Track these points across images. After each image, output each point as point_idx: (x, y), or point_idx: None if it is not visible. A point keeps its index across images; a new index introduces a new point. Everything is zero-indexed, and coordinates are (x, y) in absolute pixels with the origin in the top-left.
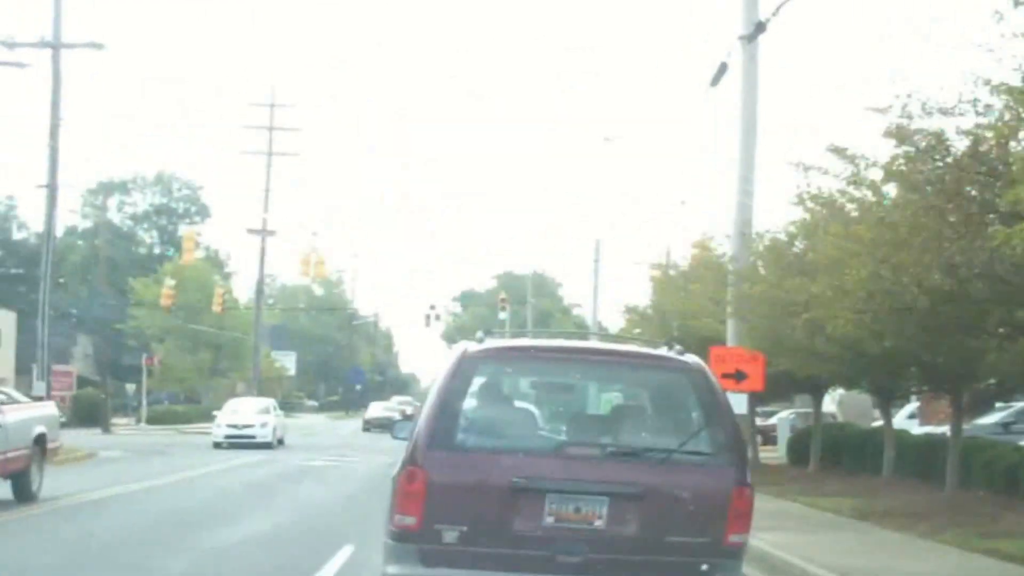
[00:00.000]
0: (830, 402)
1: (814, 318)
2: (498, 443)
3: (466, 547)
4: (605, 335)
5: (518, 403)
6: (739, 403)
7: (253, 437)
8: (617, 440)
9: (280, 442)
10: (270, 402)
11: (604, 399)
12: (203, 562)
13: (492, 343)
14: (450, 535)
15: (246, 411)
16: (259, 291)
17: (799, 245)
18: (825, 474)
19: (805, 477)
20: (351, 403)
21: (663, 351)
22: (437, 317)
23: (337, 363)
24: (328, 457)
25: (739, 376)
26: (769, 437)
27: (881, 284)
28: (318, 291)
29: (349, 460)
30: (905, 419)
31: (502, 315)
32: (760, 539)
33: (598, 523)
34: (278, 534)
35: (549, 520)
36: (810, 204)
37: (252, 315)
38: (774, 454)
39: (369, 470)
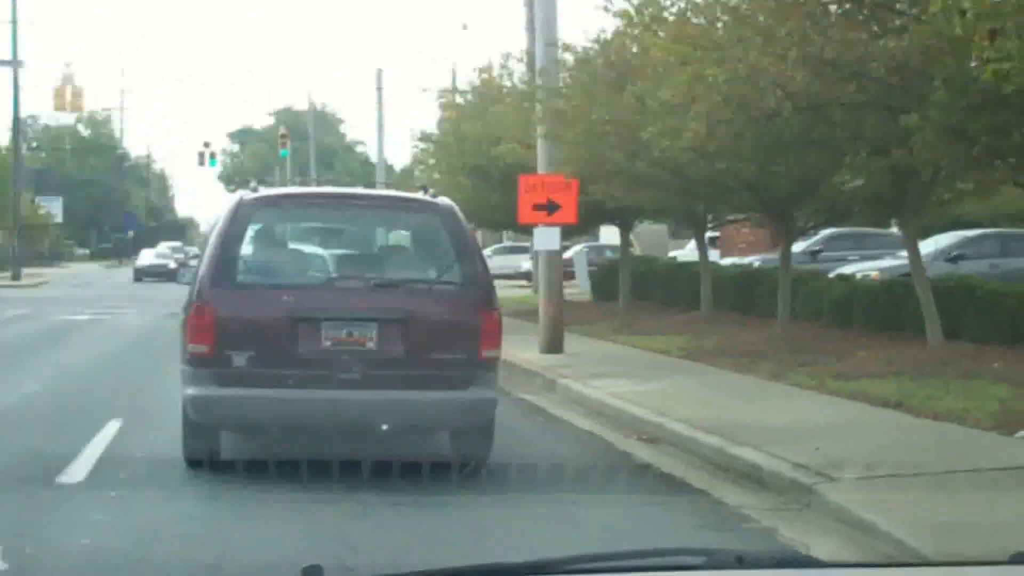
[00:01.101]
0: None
1: (662, 129)
2: (275, 280)
3: (255, 369)
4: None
5: (292, 244)
6: (551, 238)
7: None
8: (380, 274)
9: None
10: None
11: (368, 239)
12: None
13: (266, 192)
14: (239, 359)
15: None
16: (16, 130)
17: (614, 55)
18: (636, 310)
19: (616, 314)
20: (124, 250)
21: (419, 195)
22: (212, 156)
23: (109, 208)
24: (97, 310)
25: (551, 208)
26: (565, 273)
27: (738, 88)
28: (84, 132)
29: (120, 313)
30: (696, 250)
31: (283, 152)
32: (595, 388)
33: (370, 344)
34: (26, 411)
35: (327, 344)
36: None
37: (9, 158)
38: (574, 290)
39: (142, 324)
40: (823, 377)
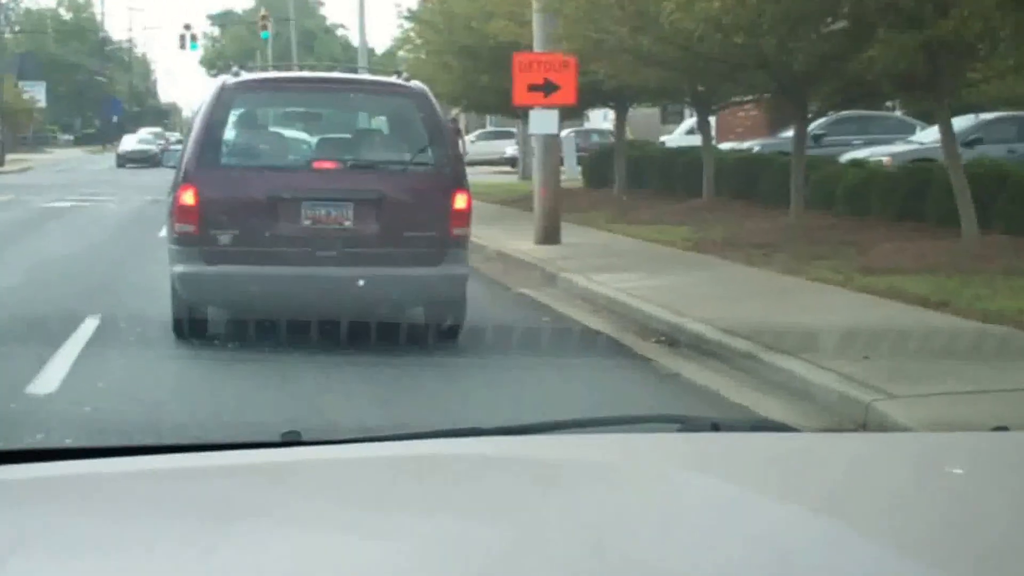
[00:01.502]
0: (604, 120)
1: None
2: (257, 162)
3: (240, 247)
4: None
5: (272, 128)
6: (548, 121)
7: None
8: (357, 156)
9: None
10: None
11: (345, 122)
12: None
13: (247, 76)
14: (225, 238)
15: None
16: None
17: None
18: (631, 198)
19: (610, 202)
20: (108, 136)
21: (393, 79)
22: (194, 38)
23: (93, 93)
24: (78, 196)
25: (548, 88)
26: None
27: None
28: (66, 15)
29: (102, 200)
30: (684, 135)
31: (263, 34)
32: (600, 283)
33: (347, 224)
34: None
35: (307, 223)
36: None
37: None
38: (563, 176)
39: (125, 211)
40: (848, 272)
